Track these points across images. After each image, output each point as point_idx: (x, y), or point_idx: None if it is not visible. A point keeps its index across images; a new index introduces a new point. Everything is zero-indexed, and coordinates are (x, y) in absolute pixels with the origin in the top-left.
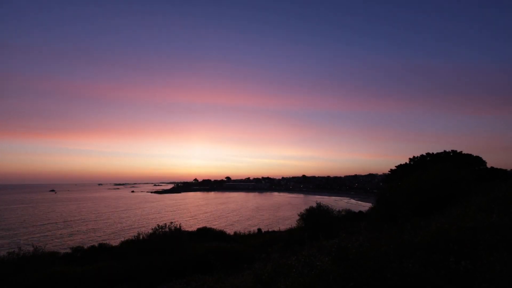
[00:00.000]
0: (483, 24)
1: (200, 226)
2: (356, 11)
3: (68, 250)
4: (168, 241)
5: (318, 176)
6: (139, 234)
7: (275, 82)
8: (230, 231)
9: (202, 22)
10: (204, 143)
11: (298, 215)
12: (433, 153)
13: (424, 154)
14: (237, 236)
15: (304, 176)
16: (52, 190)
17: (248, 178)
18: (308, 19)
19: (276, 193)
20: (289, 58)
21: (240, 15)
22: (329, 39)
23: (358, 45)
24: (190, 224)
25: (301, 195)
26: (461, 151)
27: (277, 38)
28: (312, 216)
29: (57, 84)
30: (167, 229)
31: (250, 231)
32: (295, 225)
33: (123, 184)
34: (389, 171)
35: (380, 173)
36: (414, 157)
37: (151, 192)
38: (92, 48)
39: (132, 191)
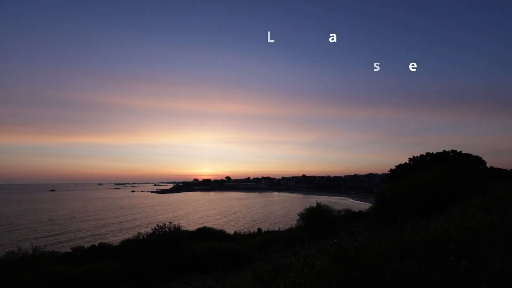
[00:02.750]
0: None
1: (200, 225)
2: (358, 32)
3: (68, 250)
4: (168, 240)
5: (318, 176)
6: (139, 233)
7: (279, 91)
8: (230, 230)
9: (211, 45)
10: (204, 144)
11: (298, 215)
12: (433, 153)
13: (424, 154)
14: (237, 235)
15: (304, 175)
16: (52, 190)
17: (248, 177)
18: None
19: (276, 193)
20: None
21: (245, 40)
22: (335, 53)
23: (359, 61)
24: (190, 224)
25: (301, 195)
26: (461, 151)
27: (276, 55)
28: (312, 216)
29: (70, 95)
30: (166, 229)
31: (250, 231)
32: (295, 225)
33: (123, 184)
34: (389, 171)
35: (380, 173)
36: (414, 157)
37: (151, 192)
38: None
39: (132, 191)
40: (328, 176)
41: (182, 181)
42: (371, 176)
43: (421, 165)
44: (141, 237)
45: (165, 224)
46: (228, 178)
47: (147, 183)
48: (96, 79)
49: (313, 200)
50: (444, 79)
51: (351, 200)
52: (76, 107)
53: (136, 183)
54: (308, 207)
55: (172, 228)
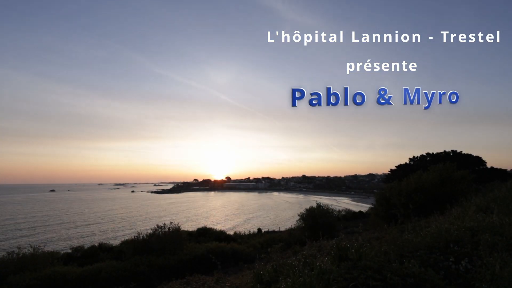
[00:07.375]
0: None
1: (200, 225)
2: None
3: (68, 250)
4: (168, 241)
5: (318, 176)
6: (139, 234)
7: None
8: (230, 231)
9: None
10: (204, 144)
11: (298, 215)
12: (433, 153)
13: (424, 154)
14: (237, 236)
15: (304, 176)
16: (52, 190)
17: (248, 178)
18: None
19: (276, 193)
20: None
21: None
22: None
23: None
24: (190, 224)
25: (301, 195)
26: (461, 151)
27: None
28: (312, 216)
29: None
30: (166, 229)
31: (250, 231)
32: (295, 225)
33: (123, 184)
34: (389, 171)
35: (380, 173)
36: (414, 157)
37: (151, 192)
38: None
39: (132, 191)
40: (328, 176)
41: (181, 181)
42: (371, 176)
43: (421, 165)
44: (141, 237)
45: (164, 224)
46: (228, 178)
47: (147, 183)
48: (99, 93)
49: (313, 200)
50: (444, 81)
51: (351, 200)
52: (77, 115)
53: (136, 183)
54: (308, 207)
55: (172, 229)
